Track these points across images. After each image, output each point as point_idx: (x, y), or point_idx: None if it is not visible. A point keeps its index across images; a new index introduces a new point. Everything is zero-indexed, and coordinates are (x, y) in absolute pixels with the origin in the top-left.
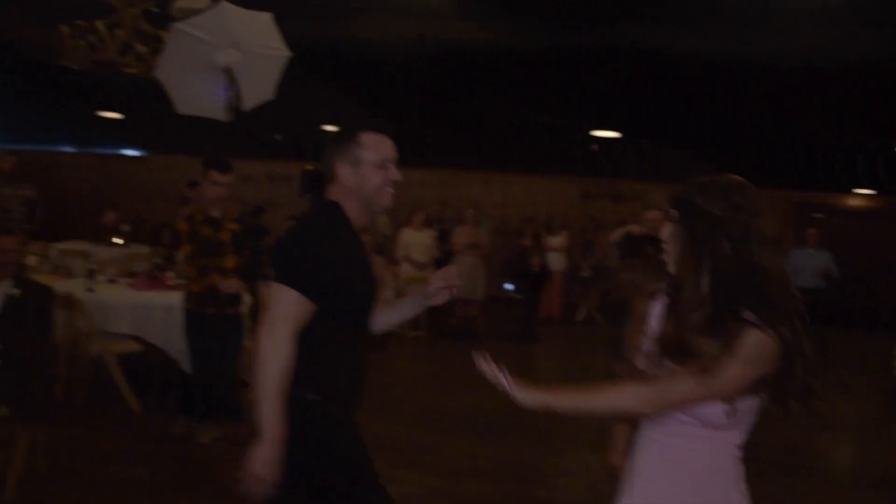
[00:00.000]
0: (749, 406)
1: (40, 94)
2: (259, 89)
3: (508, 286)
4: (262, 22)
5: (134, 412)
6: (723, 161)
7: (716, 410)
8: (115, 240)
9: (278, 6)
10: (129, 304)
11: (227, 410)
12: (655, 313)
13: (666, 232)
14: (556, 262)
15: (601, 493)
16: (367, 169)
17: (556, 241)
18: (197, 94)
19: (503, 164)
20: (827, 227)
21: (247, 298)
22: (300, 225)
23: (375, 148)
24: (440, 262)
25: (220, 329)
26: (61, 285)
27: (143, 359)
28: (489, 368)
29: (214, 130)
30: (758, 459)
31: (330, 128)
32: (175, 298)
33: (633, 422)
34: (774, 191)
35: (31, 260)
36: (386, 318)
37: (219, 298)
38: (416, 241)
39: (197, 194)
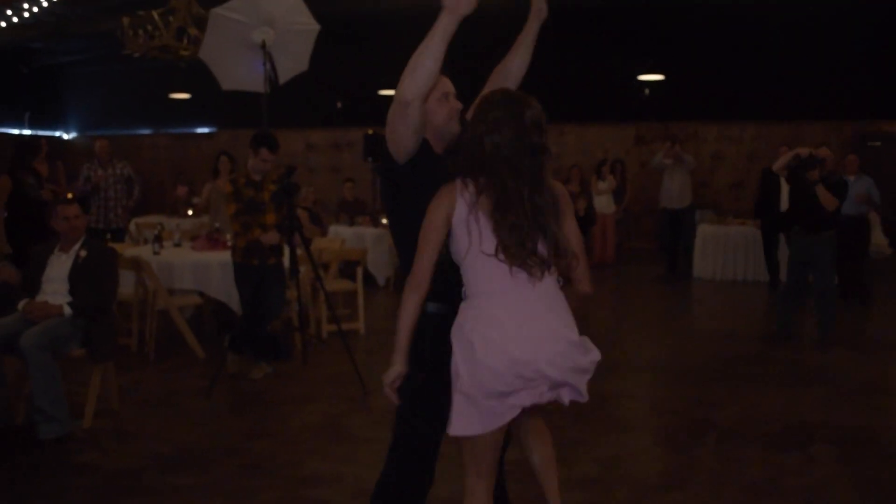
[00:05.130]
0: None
1: (119, 82)
2: (294, 62)
3: None
4: (291, 0)
5: (198, 357)
6: (775, 95)
7: None
8: (188, 212)
9: None
10: (191, 263)
11: (276, 350)
12: None
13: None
14: (605, 206)
15: None
16: (432, 104)
17: (604, 185)
18: (237, 71)
19: (556, 115)
20: (885, 154)
21: (286, 250)
22: None
23: (436, 84)
24: None
25: (264, 277)
26: (131, 251)
27: (205, 310)
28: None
29: (277, 103)
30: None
31: (388, 92)
32: (230, 256)
33: None
34: (832, 122)
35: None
36: (522, 49)
37: (261, 250)
38: None
39: (225, 165)
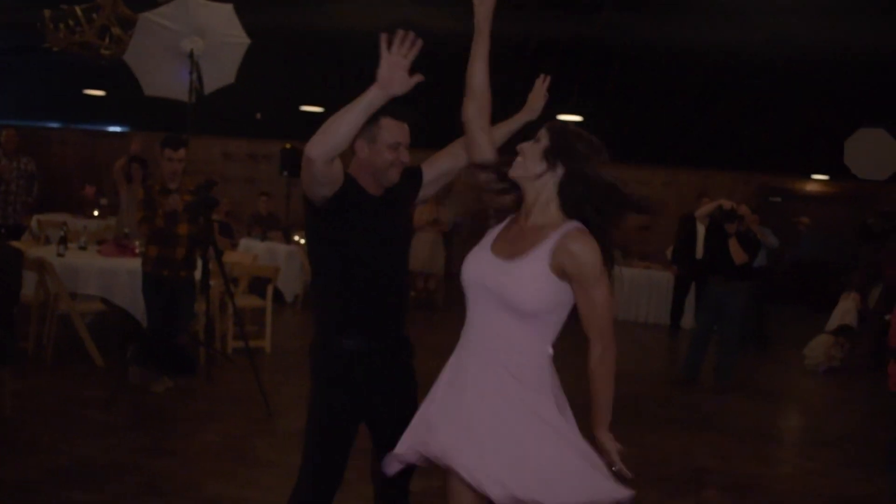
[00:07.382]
0: None
1: (31, 72)
2: (221, 74)
3: None
4: (224, 12)
5: (97, 366)
6: (686, 143)
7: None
8: (94, 212)
9: None
10: (97, 268)
11: (181, 365)
12: None
13: None
14: None
15: None
16: (381, 147)
17: None
18: (162, 78)
19: None
20: (784, 210)
21: (198, 264)
22: None
23: (392, 131)
24: None
25: (173, 290)
26: (35, 251)
27: (108, 318)
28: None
29: (196, 108)
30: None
31: (309, 108)
32: (139, 264)
33: None
34: (738, 172)
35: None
36: (503, 130)
37: (173, 262)
38: None
39: (137, 172)
